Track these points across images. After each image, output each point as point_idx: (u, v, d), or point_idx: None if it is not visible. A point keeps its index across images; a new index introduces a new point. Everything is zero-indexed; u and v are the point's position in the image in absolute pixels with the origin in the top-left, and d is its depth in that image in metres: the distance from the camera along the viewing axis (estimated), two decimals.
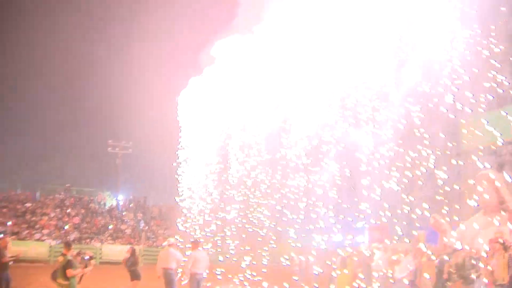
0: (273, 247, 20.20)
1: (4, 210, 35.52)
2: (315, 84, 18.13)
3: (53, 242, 30.96)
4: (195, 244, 14.64)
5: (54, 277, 13.08)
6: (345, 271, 16.64)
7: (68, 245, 10.67)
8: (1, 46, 49.97)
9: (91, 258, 11.02)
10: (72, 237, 31.63)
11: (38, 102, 53.46)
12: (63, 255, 10.27)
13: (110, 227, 36.47)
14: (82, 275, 10.27)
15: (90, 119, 50.77)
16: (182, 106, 27.92)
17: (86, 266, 10.56)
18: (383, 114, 15.89)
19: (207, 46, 24.07)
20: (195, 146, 26.53)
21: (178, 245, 16.99)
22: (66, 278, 9.94)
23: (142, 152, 45.18)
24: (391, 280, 14.63)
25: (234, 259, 20.96)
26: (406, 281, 14.21)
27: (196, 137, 26.51)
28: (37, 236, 32.32)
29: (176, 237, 18.75)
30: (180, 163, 26.89)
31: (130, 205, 41.55)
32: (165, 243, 16.60)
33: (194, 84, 26.62)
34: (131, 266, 14.43)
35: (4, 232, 28.12)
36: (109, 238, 34.39)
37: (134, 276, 14.40)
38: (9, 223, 33.26)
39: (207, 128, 25.70)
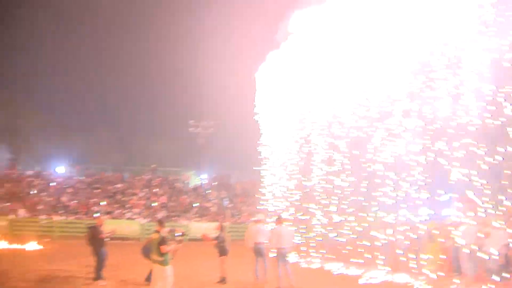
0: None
1: (97, 191, 37.47)
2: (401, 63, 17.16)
3: (143, 221, 32.24)
4: (280, 219, 14.69)
5: (144, 252, 13.56)
6: (433, 245, 16.07)
7: (161, 222, 10.89)
8: (90, 36, 52.21)
9: (182, 234, 11.21)
10: (160, 215, 32.67)
11: (123, 87, 55.49)
12: (157, 232, 10.49)
13: (196, 205, 37.43)
14: (175, 251, 10.45)
15: (171, 100, 51.93)
16: (260, 82, 27.70)
17: (178, 243, 10.73)
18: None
19: (284, 19, 23.66)
20: (275, 136, 26.08)
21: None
22: (161, 254, 10.15)
23: (223, 130, 45.75)
24: (481, 254, 13.94)
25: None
26: (497, 255, 13.52)
27: (276, 123, 26.11)
28: (128, 215, 33.81)
29: (262, 213, 18.88)
30: (263, 159, 26.69)
31: (214, 183, 42.37)
32: (253, 219, 16.75)
33: (272, 59, 26.29)
34: (221, 242, 14.62)
35: (99, 212, 29.63)
36: (195, 216, 35.27)
37: (222, 252, 14.60)
38: (103, 203, 35.07)
39: (286, 112, 25.17)
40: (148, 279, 13.54)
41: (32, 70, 49.71)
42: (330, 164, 21.13)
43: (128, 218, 33.10)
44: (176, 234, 10.89)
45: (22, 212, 32.11)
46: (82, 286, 13.17)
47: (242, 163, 38.55)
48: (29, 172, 39.87)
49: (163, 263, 10.19)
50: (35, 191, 36.34)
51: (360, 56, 19.16)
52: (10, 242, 23.83)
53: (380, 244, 17.79)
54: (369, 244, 18.19)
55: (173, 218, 33.52)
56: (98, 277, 13.75)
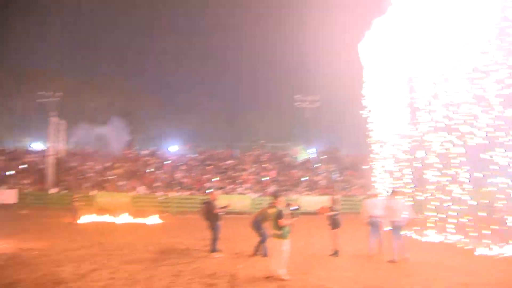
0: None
1: (209, 167, 38.67)
2: None
3: (254, 195, 32.75)
4: (394, 193, 14.23)
5: (254, 226, 13.67)
6: None
7: (276, 196, 10.79)
8: (199, 20, 53.65)
9: (298, 208, 11.08)
10: (271, 190, 33.01)
11: (231, 66, 56.71)
12: (274, 206, 10.43)
13: (305, 179, 37.34)
14: (293, 224, 10.34)
15: (278, 76, 52.08)
16: (365, 51, 26.41)
17: (293, 216, 10.61)
18: None
19: None
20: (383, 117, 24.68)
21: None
22: (279, 227, 10.07)
23: (330, 103, 45.02)
24: None
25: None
26: None
27: (383, 101, 24.71)
28: (239, 190, 34.54)
29: (376, 187, 18.24)
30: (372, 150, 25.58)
31: (323, 157, 41.98)
32: (368, 193, 16.31)
33: (377, 26, 24.89)
34: (335, 215, 14.33)
35: (211, 188, 30.56)
36: (305, 189, 35.20)
37: (335, 225, 14.30)
38: (215, 179, 36.18)
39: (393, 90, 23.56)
40: (257, 249, 13.72)
41: (145, 57, 52.22)
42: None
43: (240, 193, 33.81)
44: (291, 208, 10.78)
45: (141, 189, 34.10)
46: (199, 258, 13.51)
47: (350, 136, 37.69)
48: (145, 152, 42.19)
49: (282, 236, 10.11)
50: (152, 169, 38.35)
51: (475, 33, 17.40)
52: (134, 217, 25.35)
53: (499, 217, 16.50)
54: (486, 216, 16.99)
55: (283, 192, 33.70)
56: (214, 249, 14.07)
